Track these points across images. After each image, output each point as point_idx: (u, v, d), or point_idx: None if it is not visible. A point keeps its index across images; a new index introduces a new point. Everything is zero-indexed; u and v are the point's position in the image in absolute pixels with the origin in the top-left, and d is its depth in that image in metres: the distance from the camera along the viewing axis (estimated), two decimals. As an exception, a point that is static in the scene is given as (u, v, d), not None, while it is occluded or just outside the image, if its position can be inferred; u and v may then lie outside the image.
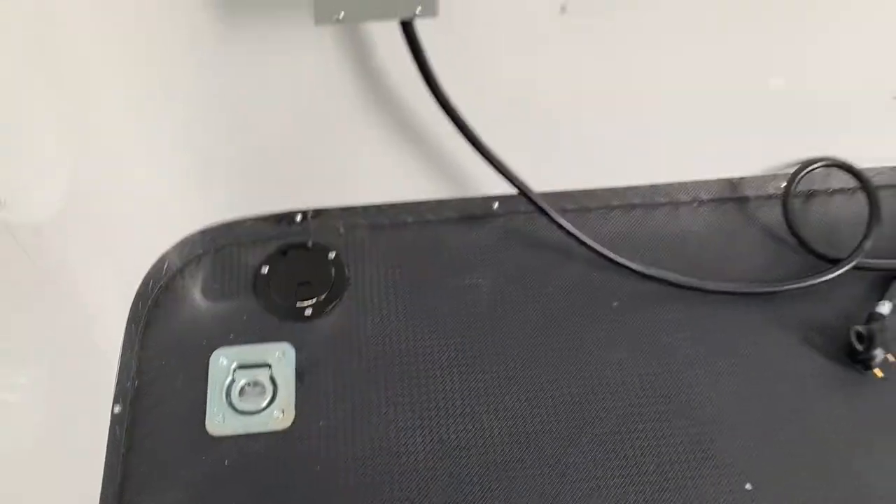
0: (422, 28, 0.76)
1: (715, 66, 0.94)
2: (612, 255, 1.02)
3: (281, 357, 0.97)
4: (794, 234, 1.06)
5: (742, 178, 1.10)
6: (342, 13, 0.68)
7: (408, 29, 0.75)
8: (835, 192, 1.11)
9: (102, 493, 0.85)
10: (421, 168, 1.02)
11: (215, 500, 0.87)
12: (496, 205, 1.08)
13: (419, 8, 0.70)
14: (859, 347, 0.95)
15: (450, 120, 0.89)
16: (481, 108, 0.90)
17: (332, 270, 1.05)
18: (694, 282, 1.02)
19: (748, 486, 0.88)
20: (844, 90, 0.99)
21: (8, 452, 0.70)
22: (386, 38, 0.79)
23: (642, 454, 0.90)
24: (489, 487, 0.87)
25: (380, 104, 0.90)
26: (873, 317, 0.98)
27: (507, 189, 0.99)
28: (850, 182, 1.09)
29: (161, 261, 1.01)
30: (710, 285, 1.02)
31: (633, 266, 1.02)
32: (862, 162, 1.08)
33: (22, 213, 0.69)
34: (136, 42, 0.79)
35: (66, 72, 0.76)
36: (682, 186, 1.10)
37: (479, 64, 0.88)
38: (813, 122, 1.04)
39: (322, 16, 0.68)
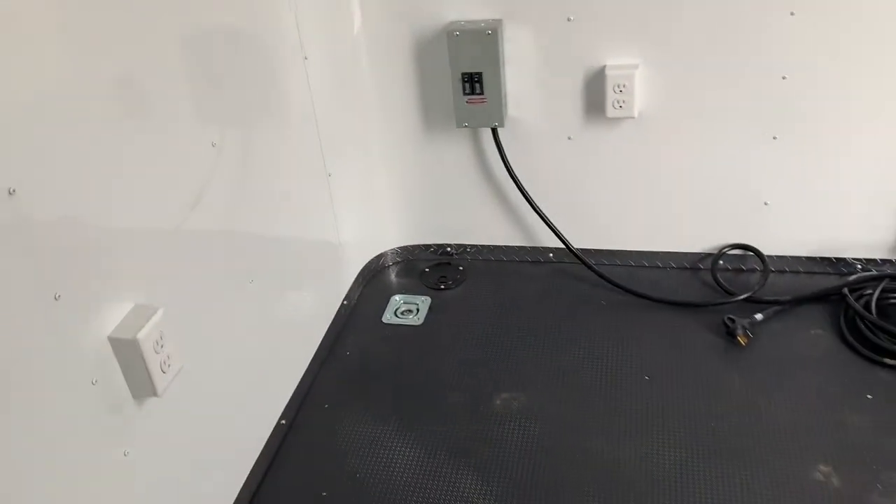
0: (503, 134, 1.81)
1: (683, 181, 1.85)
2: (615, 280, 1.88)
3: (425, 301, 1.93)
4: (717, 282, 1.84)
5: (695, 253, 1.92)
6: (466, 123, 1.76)
7: (495, 133, 1.80)
8: (747, 268, 1.89)
9: (327, 334, 1.82)
10: (511, 226, 2.00)
11: (382, 346, 1.81)
12: (551, 254, 2.01)
13: (497, 123, 1.75)
14: (730, 325, 1.68)
15: (521, 195, 1.88)
16: (543, 190, 1.88)
17: (459, 274, 2.02)
18: (661, 296, 1.83)
19: (646, 378, 1.62)
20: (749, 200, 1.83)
21: (293, 315, 1.73)
22: (488, 138, 1.85)
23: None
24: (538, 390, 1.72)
25: (487, 181, 1.93)
26: (751, 319, 1.71)
27: (558, 244, 1.93)
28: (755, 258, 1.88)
29: (380, 255, 2.06)
30: (668, 298, 1.82)
31: (628, 287, 1.86)
32: (764, 249, 1.86)
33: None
34: (383, 143, 1.92)
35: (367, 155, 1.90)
36: (660, 255, 1.94)
37: (537, 161, 1.87)
38: (744, 221, 1.87)
39: (459, 124, 1.76)
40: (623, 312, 1.83)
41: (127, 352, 1.05)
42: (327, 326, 1.83)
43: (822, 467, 1.39)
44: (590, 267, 1.92)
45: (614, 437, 1.51)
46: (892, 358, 1.59)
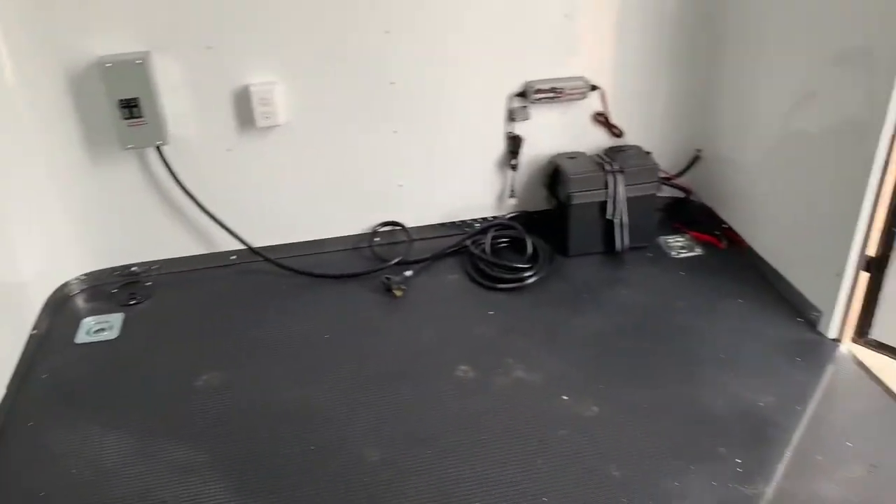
0: (170, 152, 2.01)
1: (333, 175, 2.20)
2: (294, 268, 2.17)
3: (117, 318, 2.05)
4: (375, 254, 2.24)
5: (355, 234, 2.30)
6: (130, 145, 1.94)
7: (160, 151, 2.00)
8: (397, 240, 2.32)
9: (20, 363, 1.85)
10: (192, 236, 2.20)
11: (79, 363, 1.89)
12: (234, 256, 2.25)
13: (159, 141, 1.95)
14: (387, 283, 2.08)
15: (196, 205, 2.10)
16: (217, 198, 2.12)
17: (147, 290, 2.16)
18: (333, 273, 2.16)
19: (326, 336, 1.94)
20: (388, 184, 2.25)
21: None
22: (157, 157, 2.04)
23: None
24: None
25: (163, 198, 2.11)
26: (402, 277, 2.12)
27: (240, 246, 2.18)
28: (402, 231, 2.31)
29: (65, 284, 2.13)
30: (339, 273, 2.16)
31: (305, 271, 2.16)
32: (406, 222, 2.30)
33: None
34: (52, 177, 2.01)
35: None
36: (328, 241, 2.29)
37: (205, 172, 2.10)
38: (387, 202, 2.28)
39: (123, 146, 1.93)
40: (304, 292, 2.14)
41: None
42: (19, 356, 1.86)
43: (462, 367, 1.82)
44: (270, 261, 2.20)
45: (302, 387, 1.79)
46: (503, 283, 2.10)
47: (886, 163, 1.66)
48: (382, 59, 2.07)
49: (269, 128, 2.07)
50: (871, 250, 1.77)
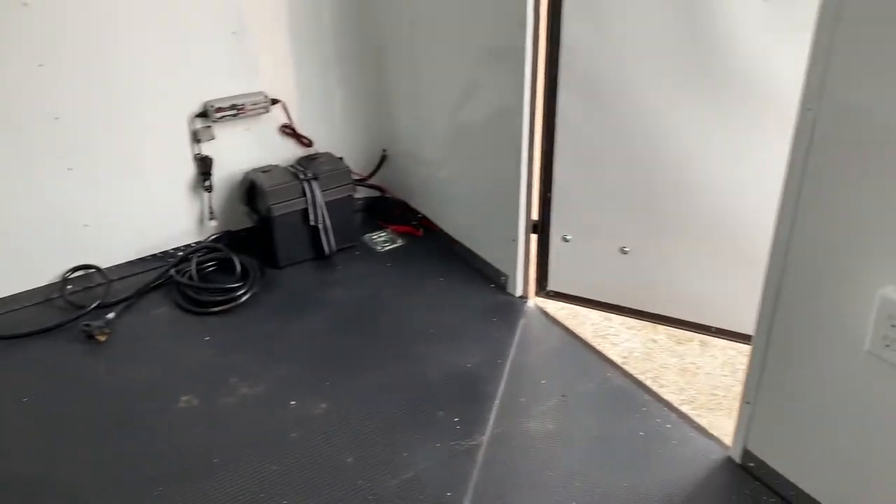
0: None
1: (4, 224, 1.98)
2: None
3: None
4: (70, 302, 2.08)
5: (44, 286, 2.11)
6: None
7: None
8: (94, 283, 2.18)
9: None
10: None
11: None
12: None
13: None
14: (87, 330, 1.94)
15: None
16: None
17: None
18: (24, 331, 1.95)
19: (24, 399, 1.76)
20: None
21: None
22: None
23: None
24: None
25: None
26: (104, 320, 1.99)
27: None
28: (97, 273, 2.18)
29: None
30: (30, 331, 1.96)
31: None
32: (101, 262, 2.17)
33: None
34: None
35: None
36: (12, 298, 2.07)
37: None
38: (74, 246, 2.12)
39: None
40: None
41: None
42: None
43: (184, 397, 1.77)
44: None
45: (4, 460, 1.62)
46: (215, 306, 2.08)
47: (531, 139, 1.94)
48: (40, 94, 1.92)
49: (-89, 182, 1.83)
50: (535, 215, 2.05)
